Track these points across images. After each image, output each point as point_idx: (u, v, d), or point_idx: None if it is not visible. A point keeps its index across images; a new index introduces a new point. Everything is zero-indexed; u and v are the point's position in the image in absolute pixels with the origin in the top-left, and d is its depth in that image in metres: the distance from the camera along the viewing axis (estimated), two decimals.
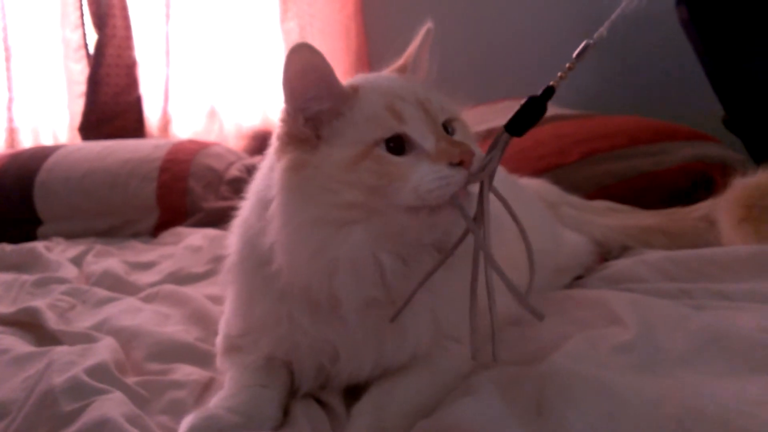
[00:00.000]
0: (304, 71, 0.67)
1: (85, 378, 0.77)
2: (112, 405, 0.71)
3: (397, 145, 0.66)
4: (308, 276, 0.67)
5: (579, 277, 1.06)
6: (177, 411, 0.76)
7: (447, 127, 0.71)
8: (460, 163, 0.64)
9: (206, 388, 0.83)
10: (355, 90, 0.70)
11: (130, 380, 0.83)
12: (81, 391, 0.75)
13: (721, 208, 1.07)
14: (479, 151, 0.68)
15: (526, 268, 0.69)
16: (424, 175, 0.64)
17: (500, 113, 1.73)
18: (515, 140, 1.42)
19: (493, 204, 0.66)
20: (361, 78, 0.76)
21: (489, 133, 1.58)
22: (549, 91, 0.70)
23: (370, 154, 0.66)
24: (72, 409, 0.71)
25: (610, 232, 1.14)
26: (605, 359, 0.71)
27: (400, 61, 0.85)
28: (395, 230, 0.66)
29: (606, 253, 1.13)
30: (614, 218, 1.18)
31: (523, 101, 0.67)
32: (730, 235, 1.05)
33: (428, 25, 0.87)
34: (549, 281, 0.99)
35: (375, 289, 0.67)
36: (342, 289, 0.66)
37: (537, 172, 1.32)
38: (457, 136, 0.71)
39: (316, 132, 0.69)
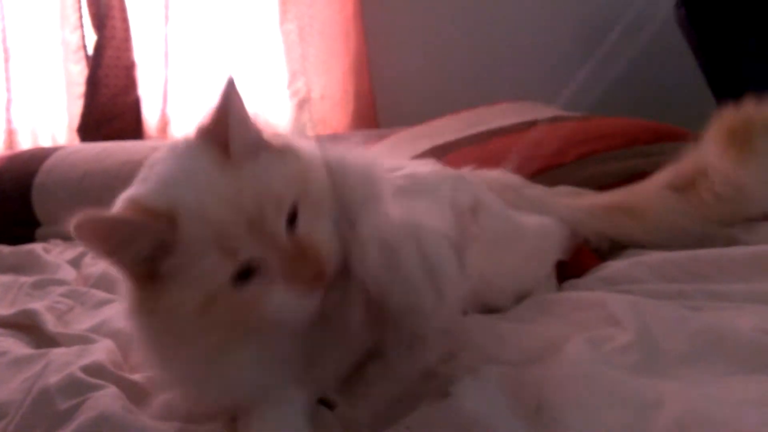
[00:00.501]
0: (102, 241, 0.60)
1: (81, 375, 0.78)
2: (109, 400, 0.72)
3: (244, 270, 0.60)
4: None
5: (573, 277, 1.06)
6: (176, 410, 0.76)
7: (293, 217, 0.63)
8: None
9: None
10: (172, 219, 0.59)
11: (129, 376, 0.83)
12: (76, 388, 0.75)
13: (705, 145, 1.06)
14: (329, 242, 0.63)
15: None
16: (281, 306, 0.60)
17: (499, 115, 1.74)
18: (514, 140, 1.43)
19: None
20: (168, 191, 0.62)
21: (489, 134, 1.59)
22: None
23: (216, 296, 0.59)
24: (68, 406, 0.72)
25: (577, 213, 1.11)
26: (604, 360, 0.71)
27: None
28: (273, 336, 0.63)
29: (595, 250, 1.12)
30: (579, 199, 1.17)
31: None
32: (717, 164, 1.03)
33: (228, 78, 0.68)
34: (529, 270, 0.99)
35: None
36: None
37: (534, 173, 1.31)
38: (301, 224, 0.63)
39: (152, 267, 0.60)
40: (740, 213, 1.06)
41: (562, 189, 1.23)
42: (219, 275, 0.59)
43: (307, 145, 0.70)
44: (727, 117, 1.03)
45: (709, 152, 1.03)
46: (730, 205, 1.03)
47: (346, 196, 0.67)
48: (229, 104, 0.64)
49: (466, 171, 1.16)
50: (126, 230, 0.59)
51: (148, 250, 0.59)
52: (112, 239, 0.59)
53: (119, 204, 0.64)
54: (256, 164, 0.63)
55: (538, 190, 1.17)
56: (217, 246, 0.58)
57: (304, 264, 0.60)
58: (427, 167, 1.05)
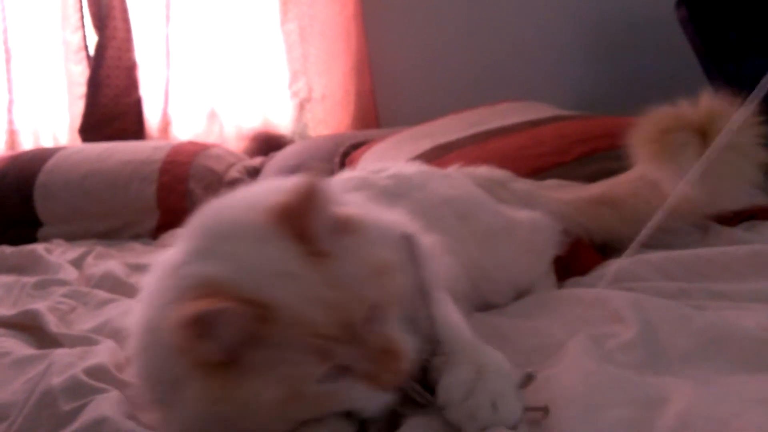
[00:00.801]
0: (199, 324, 0.55)
1: (84, 377, 0.78)
2: (110, 403, 0.72)
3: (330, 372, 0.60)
4: None
5: (576, 275, 1.06)
6: None
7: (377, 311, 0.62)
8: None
9: None
10: (268, 314, 0.57)
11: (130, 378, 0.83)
12: (79, 391, 0.75)
13: (640, 124, 1.08)
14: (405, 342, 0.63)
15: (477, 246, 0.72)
16: (362, 401, 0.61)
17: (500, 115, 1.74)
18: (516, 139, 1.43)
19: None
20: (260, 282, 0.59)
21: (490, 133, 1.59)
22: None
23: (300, 396, 0.59)
24: (71, 408, 0.72)
25: (564, 207, 1.13)
26: (608, 357, 0.71)
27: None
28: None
29: (598, 247, 1.13)
30: (565, 192, 1.18)
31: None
32: (640, 155, 1.07)
33: (312, 170, 0.63)
34: (525, 265, 1.01)
35: None
36: None
37: (537, 171, 1.32)
38: (381, 322, 0.62)
39: (230, 355, 0.58)
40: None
41: (549, 182, 1.24)
42: (309, 375, 0.58)
43: (364, 215, 0.69)
44: (660, 111, 1.07)
45: (638, 139, 1.08)
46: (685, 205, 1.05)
47: (416, 278, 0.67)
48: (315, 197, 0.62)
49: (454, 168, 1.17)
50: (221, 321, 0.56)
51: (236, 341, 0.57)
52: (208, 331, 0.56)
53: (194, 279, 0.60)
54: (339, 257, 0.62)
55: (525, 184, 1.18)
56: (311, 347, 0.58)
57: (388, 366, 0.61)
58: (413, 167, 1.07)
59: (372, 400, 0.61)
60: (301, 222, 0.61)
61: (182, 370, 0.59)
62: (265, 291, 0.58)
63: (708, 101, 1.07)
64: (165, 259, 0.68)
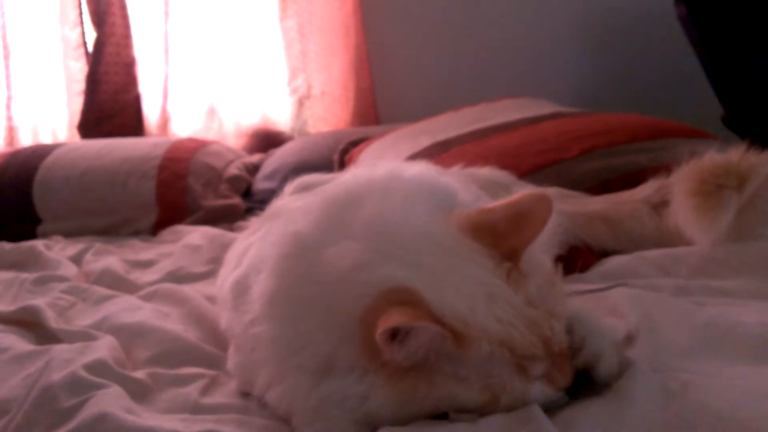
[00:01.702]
0: (406, 330, 0.57)
1: (84, 373, 0.78)
2: (110, 399, 0.72)
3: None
4: None
5: (573, 272, 1.06)
6: (182, 404, 0.76)
7: None
8: None
9: (212, 383, 0.83)
10: (462, 339, 0.58)
11: (132, 374, 0.84)
12: (79, 387, 0.75)
13: (679, 177, 1.04)
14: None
15: None
16: (536, 398, 0.62)
17: (499, 112, 1.74)
18: (515, 136, 1.43)
19: None
20: (460, 302, 0.60)
21: (490, 130, 1.59)
22: None
23: (501, 399, 0.61)
24: (71, 404, 0.72)
25: (563, 218, 1.13)
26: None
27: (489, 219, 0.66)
28: None
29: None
30: (565, 204, 1.18)
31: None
32: (678, 204, 1.02)
33: (547, 196, 0.66)
34: None
35: None
36: None
37: (537, 168, 1.32)
38: (557, 338, 0.64)
39: (419, 363, 0.60)
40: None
41: (552, 190, 1.24)
42: (511, 387, 0.61)
43: None
44: (708, 160, 1.02)
45: (679, 188, 1.02)
46: (680, 237, 1.03)
47: None
48: (540, 220, 0.65)
49: (456, 169, 1.16)
50: (417, 335, 0.57)
51: (427, 354, 0.59)
52: (402, 339, 0.57)
53: (387, 284, 0.61)
54: (533, 277, 0.64)
55: (527, 189, 1.18)
56: (517, 369, 0.60)
57: (563, 367, 0.63)
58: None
59: (547, 399, 0.62)
60: (511, 242, 0.63)
61: (351, 359, 0.61)
62: (467, 313, 0.59)
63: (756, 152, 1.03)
64: (291, 232, 0.70)
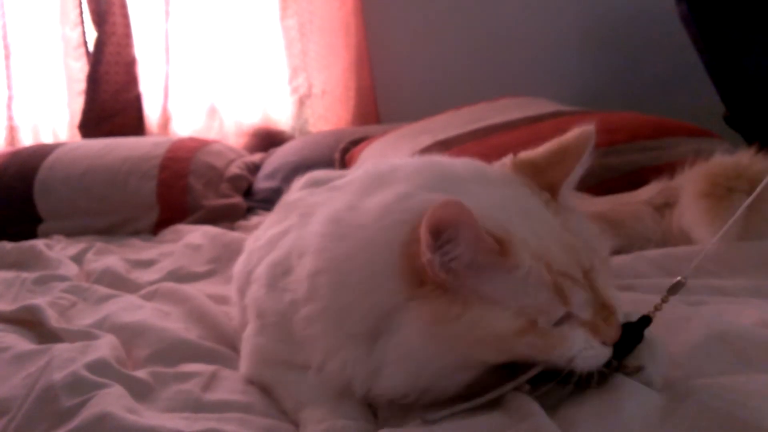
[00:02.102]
0: (450, 226, 0.57)
1: (85, 373, 0.78)
2: (112, 399, 0.72)
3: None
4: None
5: None
6: (183, 402, 0.76)
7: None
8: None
9: (212, 379, 0.83)
10: (503, 245, 0.58)
11: (133, 373, 0.84)
12: (81, 386, 0.75)
13: (688, 179, 1.04)
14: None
15: None
16: (581, 351, 0.60)
17: (499, 111, 1.74)
18: (515, 136, 1.43)
19: None
20: (501, 219, 0.61)
21: (490, 129, 1.59)
22: (645, 321, 0.66)
23: (534, 329, 0.59)
24: (72, 404, 0.72)
25: None
26: None
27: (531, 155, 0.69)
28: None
29: None
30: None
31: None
32: (687, 206, 1.02)
33: (589, 128, 0.70)
34: None
35: None
36: None
37: None
38: (601, 281, 0.63)
39: (455, 279, 0.59)
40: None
41: None
42: (548, 313, 0.59)
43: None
44: (718, 162, 1.01)
45: (688, 190, 1.02)
46: (685, 239, 1.03)
47: None
48: (584, 151, 0.67)
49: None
50: (464, 228, 0.57)
51: (465, 262, 0.58)
52: (460, 233, 0.57)
53: (423, 207, 0.59)
54: (571, 213, 0.66)
55: None
56: (554, 289, 0.59)
57: (607, 319, 0.61)
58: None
59: (590, 351, 0.60)
60: (550, 175, 0.66)
61: (400, 297, 0.61)
62: (507, 225, 0.60)
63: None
64: (330, 212, 0.70)
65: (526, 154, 0.69)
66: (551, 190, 0.66)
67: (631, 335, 0.64)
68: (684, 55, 1.75)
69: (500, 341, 0.59)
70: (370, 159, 1.69)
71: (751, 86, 1.58)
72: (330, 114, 2.52)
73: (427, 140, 1.62)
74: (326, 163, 1.85)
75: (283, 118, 2.54)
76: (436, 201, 0.57)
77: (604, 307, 0.61)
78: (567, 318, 0.60)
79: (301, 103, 2.52)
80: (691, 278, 0.92)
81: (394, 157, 1.55)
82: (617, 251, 1.09)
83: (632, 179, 1.27)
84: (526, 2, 2.43)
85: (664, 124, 1.43)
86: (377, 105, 2.53)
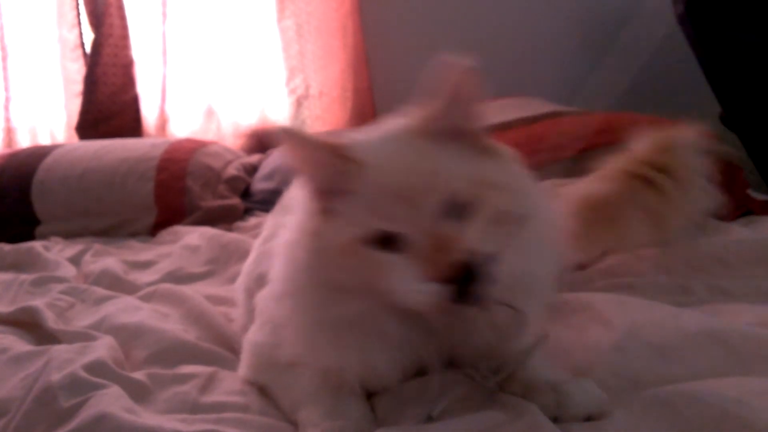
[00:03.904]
0: (298, 160, 0.67)
1: (83, 374, 0.78)
2: (110, 399, 0.72)
3: (389, 240, 0.61)
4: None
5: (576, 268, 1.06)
6: (180, 403, 0.76)
7: (461, 209, 0.62)
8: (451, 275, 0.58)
9: (210, 380, 0.83)
10: (360, 165, 0.63)
11: (131, 374, 0.84)
12: (79, 387, 0.75)
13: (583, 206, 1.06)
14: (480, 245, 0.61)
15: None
16: (406, 285, 0.60)
17: (497, 111, 1.74)
18: (512, 136, 1.43)
19: None
20: (370, 143, 0.67)
21: (488, 129, 1.59)
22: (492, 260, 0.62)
23: (359, 245, 0.62)
24: (70, 404, 0.72)
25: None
26: (599, 360, 0.71)
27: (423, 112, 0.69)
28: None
29: None
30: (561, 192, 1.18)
31: None
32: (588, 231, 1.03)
33: (465, 64, 0.68)
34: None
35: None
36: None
37: (534, 167, 1.31)
38: (468, 226, 0.61)
39: (329, 203, 0.66)
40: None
41: (548, 183, 1.24)
42: (368, 228, 0.61)
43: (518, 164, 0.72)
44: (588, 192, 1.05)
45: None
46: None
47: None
48: (447, 82, 0.66)
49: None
50: (318, 156, 0.65)
51: (328, 182, 0.64)
52: (306, 158, 0.66)
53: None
54: (449, 149, 0.65)
55: None
56: (380, 206, 0.61)
57: (442, 250, 0.59)
58: None
59: (416, 286, 0.59)
60: (428, 107, 0.66)
61: None
62: (365, 150, 0.64)
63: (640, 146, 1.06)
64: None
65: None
66: (434, 120, 0.67)
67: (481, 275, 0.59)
68: (680, 56, 1.75)
69: (341, 254, 0.63)
70: None
71: (747, 86, 1.58)
72: (327, 115, 2.52)
73: None
74: None
75: (280, 119, 2.54)
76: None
77: (445, 241, 0.59)
78: (396, 248, 0.61)
79: (299, 104, 2.52)
80: (689, 276, 0.93)
81: None
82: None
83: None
84: (523, 3, 2.43)
85: (661, 124, 1.43)
86: (375, 106, 2.53)
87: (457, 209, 0.61)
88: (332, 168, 0.64)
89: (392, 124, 0.70)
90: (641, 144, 1.06)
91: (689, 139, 1.04)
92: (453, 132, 0.66)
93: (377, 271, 0.61)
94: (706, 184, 1.04)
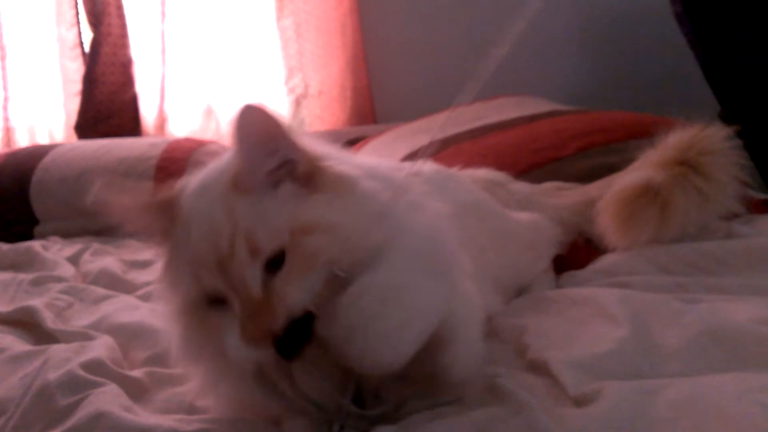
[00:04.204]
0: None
1: (81, 372, 0.78)
2: (108, 398, 0.72)
3: (217, 299, 0.61)
4: None
5: (570, 269, 1.06)
6: (178, 403, 0.76)
7: (275, 261, 0.59)
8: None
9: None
10: (175, 219, 0.64)
11: (128, 373, 0.84)
12: (77, 385, 0.75)
13: (606, 199, 1.07)
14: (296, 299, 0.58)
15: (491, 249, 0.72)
16: (231, 345, 0.59)
17: (495, 110, 1.74)
18: (512, 134, 1.42)
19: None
20: (190, 195, 0.65)
21: (487, 129, 1.59)
22: (309, 317, 0.59)
23: (192, 307, 0.63)
24: (68, 403, 0.72)
25: (562, 212, 1.13)
26: (602, 354, 0.71)
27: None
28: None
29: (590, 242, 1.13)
30: (562, 197, 1.18)
31: None
32: (601, 218, 1.06)
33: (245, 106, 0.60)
34: (527, 263, 1.01)
35: None
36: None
37: (534, 166, 1.32)
38: (281, 275, 0.59)
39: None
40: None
41: (547, 185, 1.24)
42: (188, 292, 0.62)
43: (371, 184, 0.64)
44: (630, 181, 1.05)
45: (602, 206, 1.06)
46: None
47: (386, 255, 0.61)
48: (239, 132, 0.60)
49: (453, 170, 1.16)
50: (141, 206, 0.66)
51: (158, 232, 0.65)
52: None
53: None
54: (261, 199, 0.61)
55: (523, 187, 1.18)
56: (190, 266, 0.61)
57: (256, 315, 0.58)
58: (428, 166, 1.06)
59: (237, 348, 0.59)
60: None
61: None
62: (184, 200, 0.64)
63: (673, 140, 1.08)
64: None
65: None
66: (247, 167, 0.62)
67: (298, 332, 0.58)
68: (679, 55, 1.75)
69: (178, 311, 0.64)
70: (373, 158, 1.69)
71: (746, 85, 1.58)
72: (326, 114, 2.52)
73: (423, 140, 1.60)
74: None
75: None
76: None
77: (262, 303, 0.58)
78: (225, 307, 0.60)
79: (298, 103, 2.52)
80: (687, 275, 0.93)
81: (391, 156, 1.56)
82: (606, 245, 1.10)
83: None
84: (523, 1, 2.43)
85: (660, 123, 1.43)
86: (374, 105, 2.53)
87: (272, 261, 0.59)
88: (154, 221, 0.65)
89: (218, 168, 0.67)
90: (678, 137, 1.08)
91: (722, 135, 1.06)
92: (270, 179, 0.61)
93: (212, 331, 0.61)
94: (739, 174, 1.06)
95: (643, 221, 1.02)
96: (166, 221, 0.64)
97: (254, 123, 0.60)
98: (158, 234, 0.65)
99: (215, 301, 0.60)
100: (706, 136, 1.07)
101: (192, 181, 0.67)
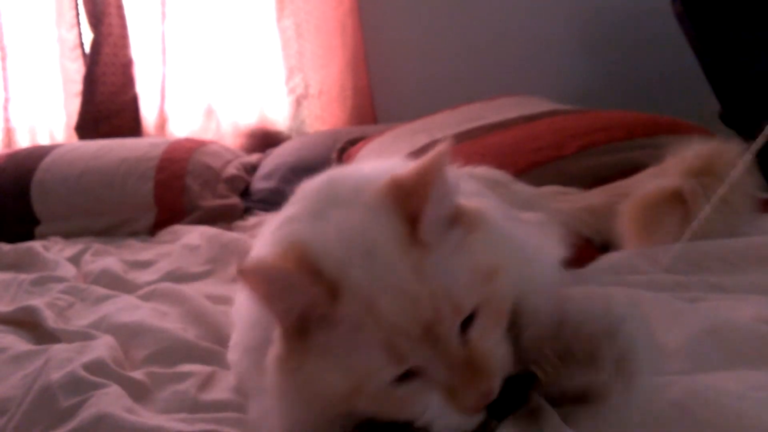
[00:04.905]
0: (267, 291, 0.53)
1: (83, 373, 0.78)
2: (110, 399, 0.72)
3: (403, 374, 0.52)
4: None
5: (571, 267, 1.06)
6: (179, 402, 0.76)
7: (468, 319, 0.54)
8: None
9: (209, 379, 0.83)
10: (334, 292, 0.52)
11: (130, 374, 0.84)
12: (79, 386, 0.75)
13: (627, 204, 1.05)
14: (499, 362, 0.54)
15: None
16: (435, 417, 0.53)
17: (495, 110, 1.74)
18: (512, 134, 1.43)
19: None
20: (340, 253, 0.53)
21: (487, 128, 1.59)
22: (530, 379, 0.56)
23: (367, 389, 0.52)
24: (70, 404, 0.72)
25: (563, 217, 1.13)
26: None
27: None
28: None
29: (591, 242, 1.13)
30: (563, 202, 1.18)
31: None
32: (622, 223, 1.05)
33: (444, 144, 0.55)
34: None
35: None
36: None
37: (534, 165, 1.32)
38: (475, 331, 0.54)
39: (305, 325, 0.53)
40: None
41: (548, 189, 1.24)
42: (380, 376, 0.52)
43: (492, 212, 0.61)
44: (656, 189, 1.04)
45: (624, 212, 1.05)
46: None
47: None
48: (435, 175, 0.54)
49: (452, 169, 1.15)
50: (283, 282, 0.52)
51: (301, 310, 0.53)
52: (270, 287, 0.52)
53: (287, 238, 0.57)
54: (442, 251, 0.54)
55: (525, 188, 1.18)
56: (384, 346, 0.51)
57: (471, 380, 0.52)
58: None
59: (446, 419, 0.53)
60: (412, 201, 0.54)
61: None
62: (342, 270, 0.52)
63: (698, 152, 1.06)
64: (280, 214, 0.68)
65: (400, 174, 0.56)
66: (412, 219, 0.54)
67: (513, 395, 0.54)
68: (679, 54, 1.75)
69: (336, 399, 0.53)
70: (368, 159, 1.69)
71: (746, 84, 1.59)
72: (327, 114, 2.52)
73: (423, 139, 1.62)
74: (323, 163, 1.85)
75: (279, 118, 2.54)
76: (294, 237, 0.55)
77: (471, 368, 0.52)
78: (416, 376, 0.52)
79: (298, 103, 2.52)
80: (689, 274, 0.92)
81: (392, 156, 1.55)
82: (607, 246, 1.10)
83: (628, 177, 1.27)
84: (523, 2, 2.43)
85: (661, 122, 1.43)
86: (374, 105, 2.53)
87: (466, 319, 0.54)
88: (303, 295, 0.52)
89: (353, 218, 0.56)
90: (700, 147, 1.06)
91: (735, 151, 1.06)
92: (439, 224, 0.55)
93: (394, 407, 0.53)
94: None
95: (669, 228, 1.01)
96: (306, 296, 0.52)
97: (444, 171, 0.54)
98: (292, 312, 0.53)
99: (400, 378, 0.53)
100: (730, 148, 1.05)
101: (320, 246, 0.54)
